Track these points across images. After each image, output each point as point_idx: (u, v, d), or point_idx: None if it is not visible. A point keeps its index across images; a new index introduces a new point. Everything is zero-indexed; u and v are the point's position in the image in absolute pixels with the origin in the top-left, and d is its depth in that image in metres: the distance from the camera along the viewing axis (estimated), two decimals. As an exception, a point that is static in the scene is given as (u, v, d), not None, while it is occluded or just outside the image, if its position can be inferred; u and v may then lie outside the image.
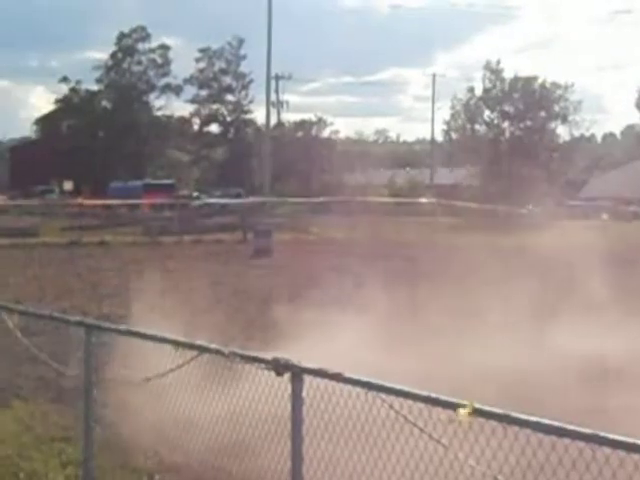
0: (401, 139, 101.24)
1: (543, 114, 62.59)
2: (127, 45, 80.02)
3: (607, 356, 11.42)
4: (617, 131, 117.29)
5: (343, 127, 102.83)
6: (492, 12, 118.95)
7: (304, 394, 5.00)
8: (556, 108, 63.31)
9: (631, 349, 11.37)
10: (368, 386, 4.66)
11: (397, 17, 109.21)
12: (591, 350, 11.30)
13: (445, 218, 48.04)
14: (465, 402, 4.03)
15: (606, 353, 11.46)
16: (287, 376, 5.04)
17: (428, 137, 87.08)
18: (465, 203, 52.57)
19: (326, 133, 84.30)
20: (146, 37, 79.92)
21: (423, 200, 55.97)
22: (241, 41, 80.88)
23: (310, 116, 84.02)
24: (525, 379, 9.94)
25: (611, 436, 3.75)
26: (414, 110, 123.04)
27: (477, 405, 4.00)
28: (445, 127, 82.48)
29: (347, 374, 4.73)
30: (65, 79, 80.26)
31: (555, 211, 52.17)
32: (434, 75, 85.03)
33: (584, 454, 4.10)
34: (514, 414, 3.99)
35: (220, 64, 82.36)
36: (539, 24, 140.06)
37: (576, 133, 65.91)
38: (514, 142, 60.18)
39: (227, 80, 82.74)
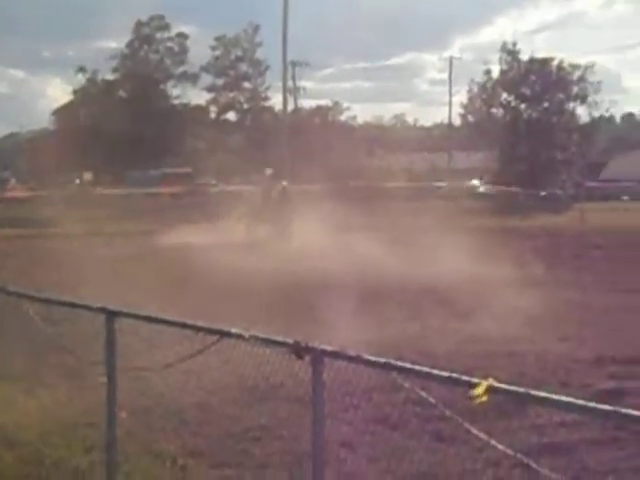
0: (418, 123, 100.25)
1: (561, 95, 62.03)
2: (145, 34, 79.92)
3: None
4: (636, 111, 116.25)
5: (360, 112, 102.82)
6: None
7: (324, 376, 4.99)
8: (575, 89, 62.73)
9: None
10: (387, 367, 4.66)
11: (412, 1, 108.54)
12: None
13: (466, 202, 47.93)
14: (484, 381, 4.00)
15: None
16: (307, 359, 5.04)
17: (445, 121, 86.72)
18: (485, 186, 52.41)
19: (343, 118, 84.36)
20: (165, 26, 79.81)
21: (441, 184, 55.87)
22: (257, 28, 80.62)
23: (327, 102, 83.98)
24: None
25: (635, 413, 3.65)
26: (431, 94, 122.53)
27: (495, 384, 3.97)
28: (462, 111, 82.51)
29: (366, 356, 4.73)
30: (82, 69, 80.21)
31: (574, 193, 52.01)
32: (451, 58, 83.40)
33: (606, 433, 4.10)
34: (533, 392, 3.96)
35: (236, 52, 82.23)
36: (557, 4, 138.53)
37: (596, 114, 65.33)
38: (532, 124, 59.68)
39: (243, 67, 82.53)
